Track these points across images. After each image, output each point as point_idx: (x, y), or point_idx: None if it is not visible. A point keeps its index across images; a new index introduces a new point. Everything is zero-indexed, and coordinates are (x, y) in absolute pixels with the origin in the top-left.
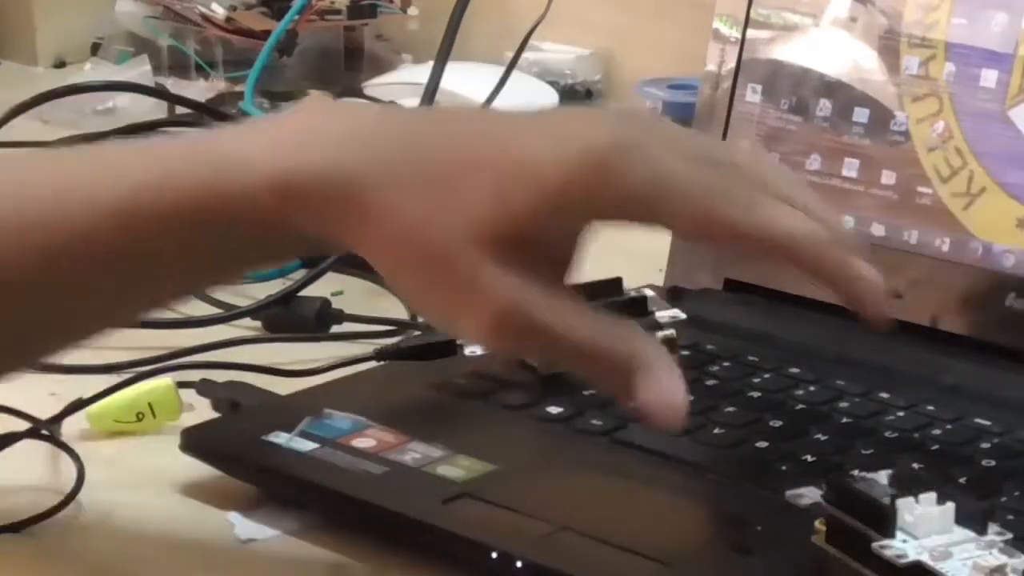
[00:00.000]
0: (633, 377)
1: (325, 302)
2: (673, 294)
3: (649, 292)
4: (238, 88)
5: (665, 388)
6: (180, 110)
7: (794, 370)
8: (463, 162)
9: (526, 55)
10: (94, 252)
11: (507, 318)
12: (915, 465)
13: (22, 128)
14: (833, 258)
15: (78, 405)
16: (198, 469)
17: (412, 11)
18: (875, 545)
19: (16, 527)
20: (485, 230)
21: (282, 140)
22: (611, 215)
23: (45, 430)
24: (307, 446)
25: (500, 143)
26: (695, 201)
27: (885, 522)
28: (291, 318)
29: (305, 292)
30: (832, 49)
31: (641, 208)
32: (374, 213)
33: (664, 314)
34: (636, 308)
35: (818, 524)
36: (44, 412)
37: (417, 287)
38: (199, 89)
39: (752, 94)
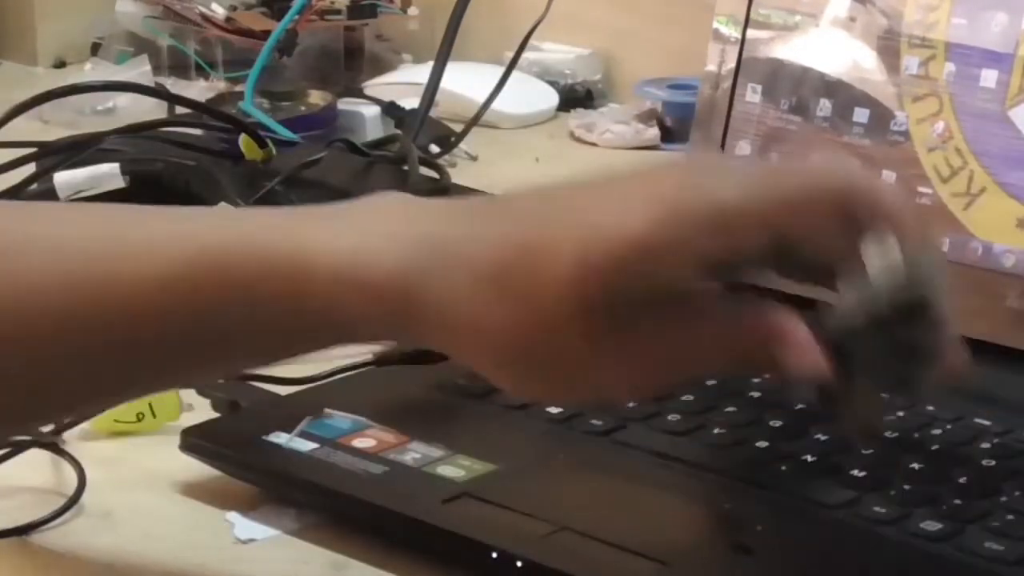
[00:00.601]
0: (773, 357)
1: None
2: None
3: None
4: (238, 88)
5: (804, 352)
6: (180, 110)
7: None
8: (539, 243)
9: (526, 55)
10: (153, 309)
11: (626, 389)
12: (915, 465)
13: (22, 128)
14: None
15: None
16: (198, 469)
17: (412, 11)
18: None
19: (21, 531)
20: (578, 304)
21: (359, 236)
22: (704, 249)
23: (48, 440)
24: (307, 446)
25: (572, 215)
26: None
27: None
28: None
29: None
30: (832, 49)
31: (720, 227)
32: (456, 315)
33: None
34: None
35: None
36: None
37: (518, 379)
38: (199, 89)
39: (752, 94)
